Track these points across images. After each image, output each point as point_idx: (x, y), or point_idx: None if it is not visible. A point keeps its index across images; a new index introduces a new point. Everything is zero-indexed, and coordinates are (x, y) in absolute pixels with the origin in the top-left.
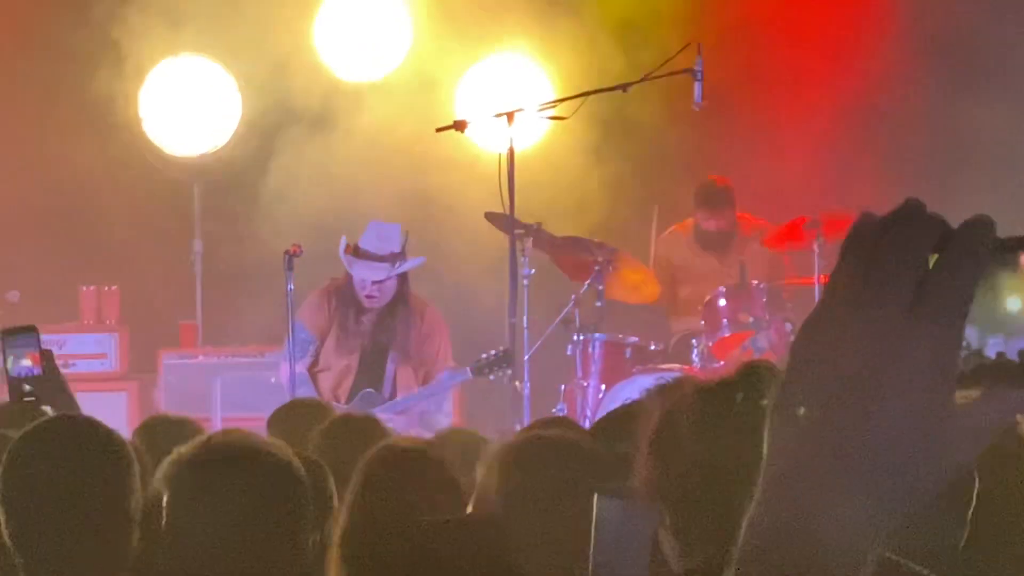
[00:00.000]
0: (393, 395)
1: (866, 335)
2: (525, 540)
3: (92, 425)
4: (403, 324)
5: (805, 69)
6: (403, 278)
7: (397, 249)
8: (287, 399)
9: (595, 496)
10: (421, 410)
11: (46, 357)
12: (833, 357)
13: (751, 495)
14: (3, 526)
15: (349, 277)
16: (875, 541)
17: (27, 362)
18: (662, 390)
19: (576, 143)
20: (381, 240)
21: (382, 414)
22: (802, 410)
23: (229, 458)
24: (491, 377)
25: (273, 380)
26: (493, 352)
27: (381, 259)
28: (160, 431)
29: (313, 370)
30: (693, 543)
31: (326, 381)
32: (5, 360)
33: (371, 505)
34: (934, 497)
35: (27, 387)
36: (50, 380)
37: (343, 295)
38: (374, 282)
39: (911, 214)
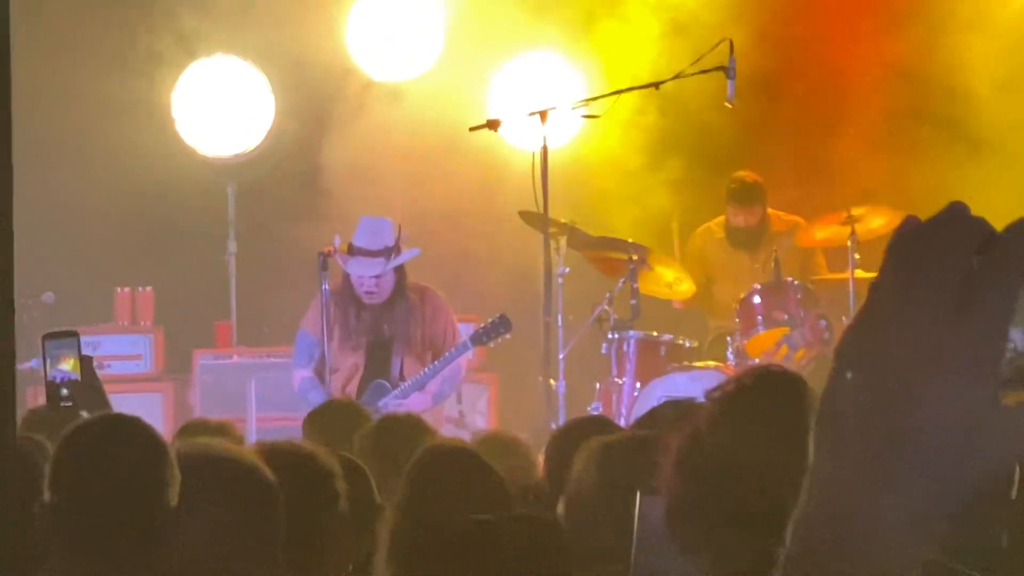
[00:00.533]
0: None
1: (911, 338)
2: (590, 536)
3: (136, 424)
4: (403, 315)
5: (845, 67)
6: (400, 271)
7: (390, 243)
8: (317, 402)
9: (638, 494)
10: (441, 391)
11: (85, 363)
12: (878, 360)
13: (795, 499)
14: (50, 518)
15: (347, 276)
16: (924, 541)
17: (66, 367)
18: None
19: (611, 140)
20: (373, 235)
21: (395, 400)
22: (847, 412)
23: (193, 465)
24: (491, 344)
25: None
26: (490, 320)
27: (375, 254)
28: (199, 435)
29: (321, 373)
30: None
31: (335, 382)
32: (45, 364)
33: (418, 505)
34: (978, 496)
35: (64, 391)
36: (88, 386)
37: (343, 295)
38: (371, 277)
39: (954, 218)
